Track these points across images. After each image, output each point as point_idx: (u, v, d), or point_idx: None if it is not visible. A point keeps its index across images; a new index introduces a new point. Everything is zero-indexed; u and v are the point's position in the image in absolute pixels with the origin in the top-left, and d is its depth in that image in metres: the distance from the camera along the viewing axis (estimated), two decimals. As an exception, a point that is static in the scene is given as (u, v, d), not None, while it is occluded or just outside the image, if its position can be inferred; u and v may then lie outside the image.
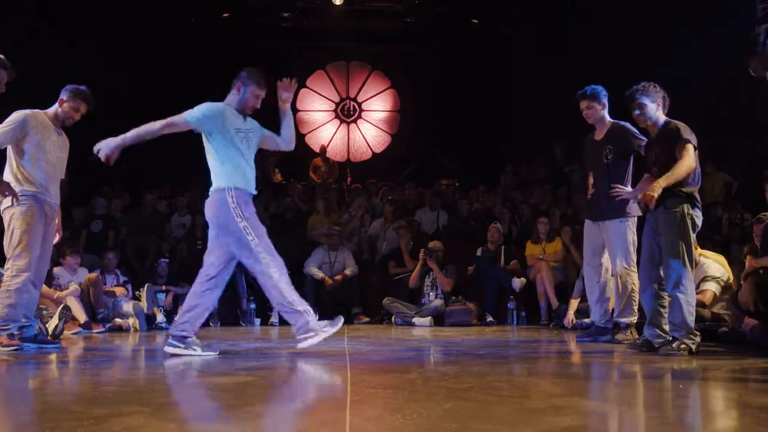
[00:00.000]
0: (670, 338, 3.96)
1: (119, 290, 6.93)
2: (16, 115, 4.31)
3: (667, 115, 4.23)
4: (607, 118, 4.99)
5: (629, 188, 4.71)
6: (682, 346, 3.84)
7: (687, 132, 4.02)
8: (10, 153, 4.37)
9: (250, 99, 4.20)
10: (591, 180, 5.07)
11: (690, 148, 3.96)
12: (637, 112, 4.20)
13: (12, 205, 4.25)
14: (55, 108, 4.52)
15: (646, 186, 4.15)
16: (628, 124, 4.87)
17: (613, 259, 4.85)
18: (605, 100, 4.95)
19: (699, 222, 4.03)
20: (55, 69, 4.92)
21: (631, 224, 4.80)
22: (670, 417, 2.22)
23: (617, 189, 4.60)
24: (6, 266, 4.33)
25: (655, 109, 4.17)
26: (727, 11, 6.95)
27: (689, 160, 3.94)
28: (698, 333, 3.95)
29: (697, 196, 4.04)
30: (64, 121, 4.53)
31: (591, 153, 5.06)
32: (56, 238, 4.66)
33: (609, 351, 4.40)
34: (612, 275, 4.90)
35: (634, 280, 4.72)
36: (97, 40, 9.76)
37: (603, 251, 4.98)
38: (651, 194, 3.89)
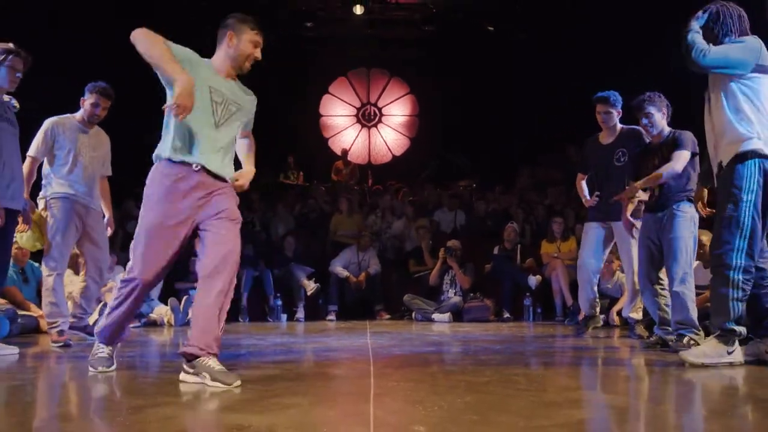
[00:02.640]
0: (675, 336, 3.91)
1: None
2: (44, 126, 4.37)
3: (674, 120, 4.22)
4: (618, 123, 4.99)
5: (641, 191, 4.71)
6: (692, 342, 3.80)
7: (686, 141, 4.03)
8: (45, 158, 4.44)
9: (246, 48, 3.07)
10: (583, 183, 5.13)
11: (683, 155, 4.00)
12: (645, 121, 4.19)
13: (45, 208, 4.33)
14: (81, 109, 4.55)
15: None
16: (641, 128, 4.85)
17: (626, 258, 4.83)
18: (620, 108, 4.95)
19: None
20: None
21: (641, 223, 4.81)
22: (684, 410, 2.19)
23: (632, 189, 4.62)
24: (42, 266, 4.42)
25: (660, 118, 4.16)
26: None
27: (676, 164, 3.99)
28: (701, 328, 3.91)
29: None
30: (90, 119, 4.51)
31: (599, 157, 5.03)
32: (109, 232, 4.73)
33: (623, 347, 4.35)
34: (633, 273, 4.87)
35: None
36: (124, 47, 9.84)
37: (605, 250, 5.00)
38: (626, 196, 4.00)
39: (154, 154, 2.89)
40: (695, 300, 3.94)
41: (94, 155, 4.54)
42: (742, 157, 3.05)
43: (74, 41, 8.56)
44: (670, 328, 4.02)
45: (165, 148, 2.84)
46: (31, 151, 4.30)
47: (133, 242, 2.88)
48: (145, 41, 2.79)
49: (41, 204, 4.36)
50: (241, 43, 3.05)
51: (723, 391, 2.64)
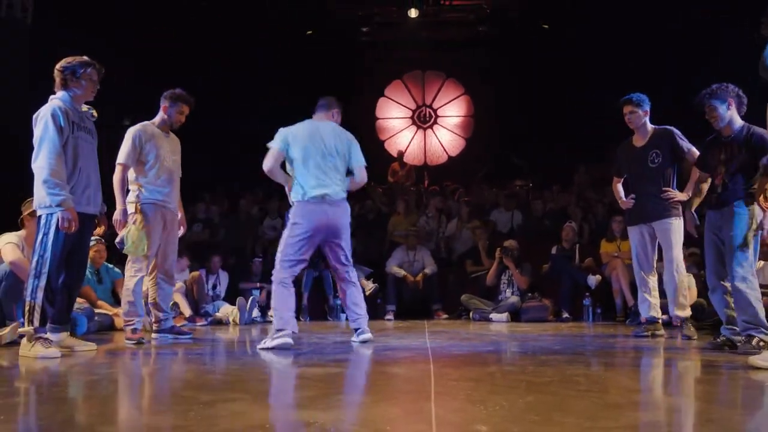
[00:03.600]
0: (744, 337, 3.75)
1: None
2: (129, 134, 4.53)
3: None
4: (649, 124, 4.94)
5: (678, 191, 4.74)
6: (761, 343, 3.63)
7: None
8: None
9: None
10: (619, 186, 5.12)
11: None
12: (708, 114, 4.04)
13: (135, 212, 4.49)
14: (160, 115, 4.71)
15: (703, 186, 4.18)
16: (674, 129, 4.85)
17: (669, 257, 4.77)
18: (647, 108, 4.92)
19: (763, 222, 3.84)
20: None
21: (682, 222, 4.74)
22: (750, 413, 2.10)
23: (669, 192, 4.72)
24: (127, 267, 4.60)
25: (725, 110, 3.98)
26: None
27: None
28: None
29: None
30: (172, 125, 4.74)
31: (633, 159, 4.98)
32: (181, 231, 4.89)
33: (685, 348, 4.21)
34: (675, 271, 4.76)
35: (686, 275, 4.82)
36: (192, 59, 10.12)
37: (654, 251, 4.93)
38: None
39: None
40: (761, 299, 3.77)
41: (175, 158, 4.74)
42: None
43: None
44: (737, 328, 3.86)
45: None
46: (121, 159, 4.46)
47: None
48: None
49: (132, 208, 4.49)
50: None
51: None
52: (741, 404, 2.34)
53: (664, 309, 5.60)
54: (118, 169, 4.44)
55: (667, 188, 4.74)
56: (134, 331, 4.48)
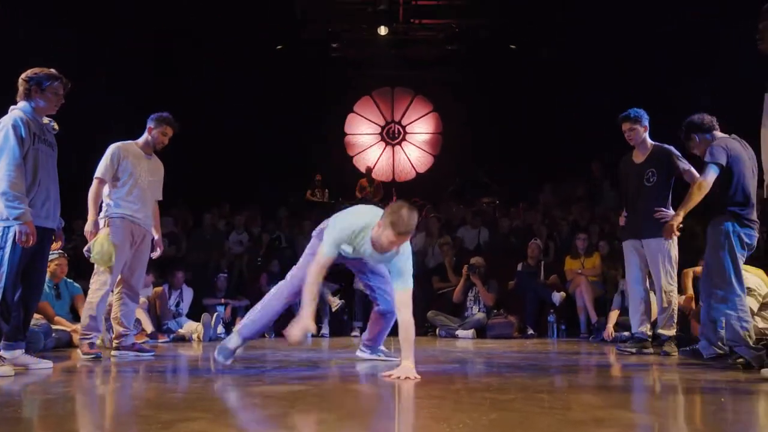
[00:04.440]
0: (725, 352, 3.84)
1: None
2: (110, 149, 4.58)
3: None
4: (649, 140, 4.93)
5: (671, 211, 4.70)
6: (739, 360, 3.73)
7: (708, 154, 3.98)
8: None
9: None
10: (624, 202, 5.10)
11: (709, 170, 3.96)
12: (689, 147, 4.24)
13: (104, 225, 4.47)
14: (145, 137, 4.76)
15: None
16: (672, 148, 4.84)
17: (656, 276, 4.76)
18: (647, 123, 4.90)
19: (750, 240, 3.93)
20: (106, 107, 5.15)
21: (674, 242, 4.72)
22: (712, 428, 2.14)
23: (662, 212, 4.68)
24: (91, 280, 4.51)
25: (700, 138, 4.17)
26: None
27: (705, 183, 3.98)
28: (761, 348, 3.80)
29: (747, 214, 3.93)
30: (155, 146, 4.77)
31: (631, 175, 4.99)
32: (157, 253, 4.89)
33: (650, 363, 4.27)
34: (654, 290, 4.81)
35: (675, 295, 4.75)
36: (150, 71, 10.02)
37: (646, 267, 4.91)
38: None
39: None
40: (746, 317, 3.86)
41: (152, 180, 4.75)
42: None
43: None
44: (709, 342, 3.95)
45: None
46: (98, 173, 4.51)
47: None
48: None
49: (102, 222, 4.50)
50: None
51: (752, 410, 2.57)
52: (700, 421, 2.38)
53: (626, 326, 5.69)
54: (93, 183, 4.51)
55: (659, 208, 4.70)
56: (91, 345, 4.42)
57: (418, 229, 9.22)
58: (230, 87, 11.77)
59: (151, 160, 4.78)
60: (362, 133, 14.56)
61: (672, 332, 4.77)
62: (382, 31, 11.41)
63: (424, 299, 7.95)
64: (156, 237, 4.88)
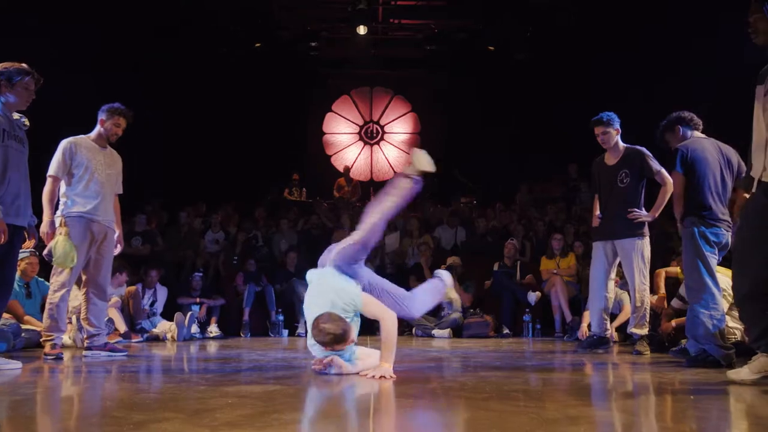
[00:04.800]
0: (699, 351, 3.91)
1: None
2: (61, 145, 4.43)
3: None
4: (621, 143, 4.99)
5: (645, 211, 4.79)
6: (709, 358, 3.79)
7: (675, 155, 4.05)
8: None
9: None
10: (597, 203, 5.15)
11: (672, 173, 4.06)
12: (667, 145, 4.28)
13: (60, 224, 4.34)
14: (97, 129, 4.61)
15: None
16: (644, 149, 4.91)
17: (630, 275, 4.83)
18: (618, 126, 4.97)
19: (717, 239, 3.99)
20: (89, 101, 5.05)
21: (646, 242, 4.81)
22: (682, 427, 2.17)
23: (635, 212, 4.75)
24: (50, 281, 4.42)
25: (673, 137, 4.23)
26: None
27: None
28: (731, 347, 3.88)
29: (710, 214, 3.98)
30: (109, 138, 4.63)
31: (604, 177, 5.06)
32: (118, 249, 4.74)
33: (622, 362, 4.33)
34: (627, 290, 4.89)
35: (648, 295, 4.82)
36: (129, 72, 9.87)
37: (612, 268, 4.99)
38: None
39: None
40: (719, 316, 3.93)
41: (110, 173, 4.62)
42: None
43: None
44: (695, 341, 4.01)
45: None
46: (51, 171, 4.36)
47: None
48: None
49: (58, 221, 4.36)
50: None
51: (721, 407, 2.62)
52: (672, 418, 2.42)
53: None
54: (48, 182, 4.34)
55: (632, 209, 4.78)
56: (53, 346, 4.34)
57: (395, 228, 9.27)
58: (208, 85, 11.66)
59: (106, 152, 4.63)
60: (340, 133, 14.54)
61: (644, 331, 4.86)
62: (361, 30, 11.40)
63: (401, 299, 7.95)
64: (117, 232, 4.73)
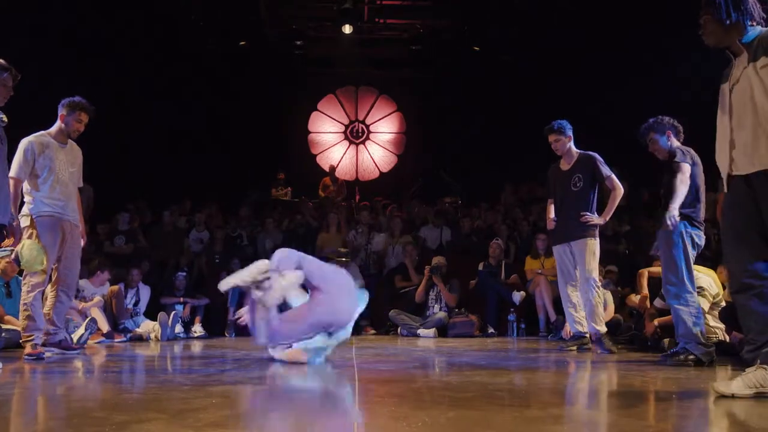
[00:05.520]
0: (681, 349, 3.97)
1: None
2: (22, 145, 4.35)
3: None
4: (574, 149, 5.17)
5: (596, 215, 4.95)
6: (690, 356, 3.85)
7: (679, 155, 4.08)
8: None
9: None
10: (552, 207, 5.30)
11: (681, 167, 4.05)
12: (649, 147, 4.32)
13: (29, 225, 4.30)
14: (57, 125, 4.52)
15: None
16: (596, 155, 5.08)
17: (583, 275, 4.95)
18: (570, 133, 5.15)
19: (699, 240, 4.08)
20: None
21: (596, 242, 4.96)
22: (662, 425, 2.19)
23: (587, 216, 4.91)
24: (23, 282, 4.37)
25: (665, 140, 4.26)
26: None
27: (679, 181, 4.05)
28: (712, 345, 3.94)
29: (696, 216, 4.05)
30: (70, 135, 4.54)
31: (559, 182, 5.22)
32: (81, 243, 4.70)
33: (604, 362, 4.36)
34: (589, 288, 4.95)
35: (599, 292, 4.97)
36: (114, 69, 9.78)
37: (575, 270, 5.11)
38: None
39: None
40: (698, 314, 4.02)
41: (72, 170, 4.56)
42: None
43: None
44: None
45: None
46: (13, 172, 4.25)
47: None
48: None
49: (25, 221, 4.30)
50: None
51: (701, 406, 2.64)
52: (653, 417, 2.44)
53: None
54: (10, 183, 4.16)
55: (584, 212, 4.93)
56: (34, 346, 4.29)
57: (380, 228, 9.27)
58: (193, 83, 11.58)
59: (66, 148, 4.54)
60: (326, 132, 14.50)
61: (603, 328, 4.95)
62: (347, 29, 11.37)
63: (386, 298, 7.96)
64: (81, 227, 4.69)
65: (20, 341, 4.48)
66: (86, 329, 5.27)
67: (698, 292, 4.96)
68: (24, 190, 4.37)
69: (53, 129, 4.51)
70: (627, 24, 9.36)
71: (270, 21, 11.81)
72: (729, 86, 2.79)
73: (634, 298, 5.51)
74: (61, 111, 4.50)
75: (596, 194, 5.06)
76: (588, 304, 4.94)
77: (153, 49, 10.63)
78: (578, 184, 5.02)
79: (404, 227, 9.29)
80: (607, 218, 5.01)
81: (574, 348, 5.12)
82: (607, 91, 9.60)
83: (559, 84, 10.83)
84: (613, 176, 4.96)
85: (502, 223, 9.38)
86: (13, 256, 4.22)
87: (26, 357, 4.23)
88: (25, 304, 4.32)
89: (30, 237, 4.23)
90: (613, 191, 4.96)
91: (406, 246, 8.43)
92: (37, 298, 4.34)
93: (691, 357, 3.87)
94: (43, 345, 4.50)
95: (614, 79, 9.68)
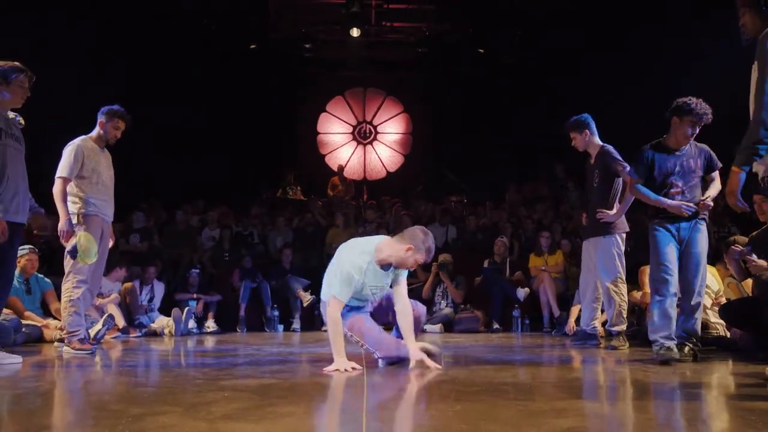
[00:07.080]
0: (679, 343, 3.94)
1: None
2: (71, 148, 4.43)
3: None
4: (596, 142, 4.95)
5: (613, 210, 4.74)
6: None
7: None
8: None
9: None
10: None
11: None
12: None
13: (80, 223, 4.37)
14: (97, 131, 4.61)
15: None
16: (611, 148, 4.86)
17: (600, 273, 4.84)
18: (587, 128, 4.91)
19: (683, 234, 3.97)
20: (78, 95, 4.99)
21: (616, 240, 4.77)
22: (664, 418, 2.18)
23: (601, 212, 4.75)
24: (66, 278, 4.39)
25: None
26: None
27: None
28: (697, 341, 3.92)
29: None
30: (108, 141, 4.64)
31: (587, 177, 5.12)
32: (110, 243, 4.76)
33: (607, 357, 4.35)
34: (608, 287, 4.86)
35: (622, 291, 4.77)
36: (124, 71, 9.80)
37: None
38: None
39: None
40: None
41: (110, 173, 4.67)
42: None
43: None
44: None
45: None
46: (63, 172, 4.36)
47: None
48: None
49: (76, 219, 4.37)
50: None
51: (702, 399, 2.63)
52: (655, 410, 2.43)
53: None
54: (58, 182, 4.34)
55: (600, 209, 4.76)
56: (82, 341, 4.33)
57: (387, 227, 9.27)
58: (204, 85, 11.60)
59: (104, 153, 4.66)
60: (334, 133, 14.51)
61: (622, 327, 4.81)
62: (355, 32, 11.38)
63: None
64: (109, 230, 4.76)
65: (63, 338, 4.49)
66: (104, 325, 5.29)
67: None
68: (70, 190, 4.42)
69: (93, 134, 4.61)
70: (627, 24, 9.31)
71: (279, 25, 11.84)
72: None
73: (636, 295, 5.48)
74: (101, 118, 4.60)
75: (616, 189, 4.81)
76: (608, 302, 4.81)
77: (164, 50, 10.66)
78: (596, 180, 4.87)
79: (411, 225, 9.28)
80: (621, 214, 4.72)
81: (589, 345, 4.99)
82: (612, 91, 9.53)
83: (560, 84, 10.77)
84: (626, 170, 4.61)
85: (506, 221, 9.37)
86: (69, 248, 4.27)
87: (76, 352, 4.26)
88: (71, 300, 4.35)
89: (84, 229, 4.33)
90: (628, 186, 4.57)
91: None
92: (85, 295, 4.39)
93: (691, 351, 3.84)
94: (60, 341, 4.54)
95: (618, 79, 9.62)
